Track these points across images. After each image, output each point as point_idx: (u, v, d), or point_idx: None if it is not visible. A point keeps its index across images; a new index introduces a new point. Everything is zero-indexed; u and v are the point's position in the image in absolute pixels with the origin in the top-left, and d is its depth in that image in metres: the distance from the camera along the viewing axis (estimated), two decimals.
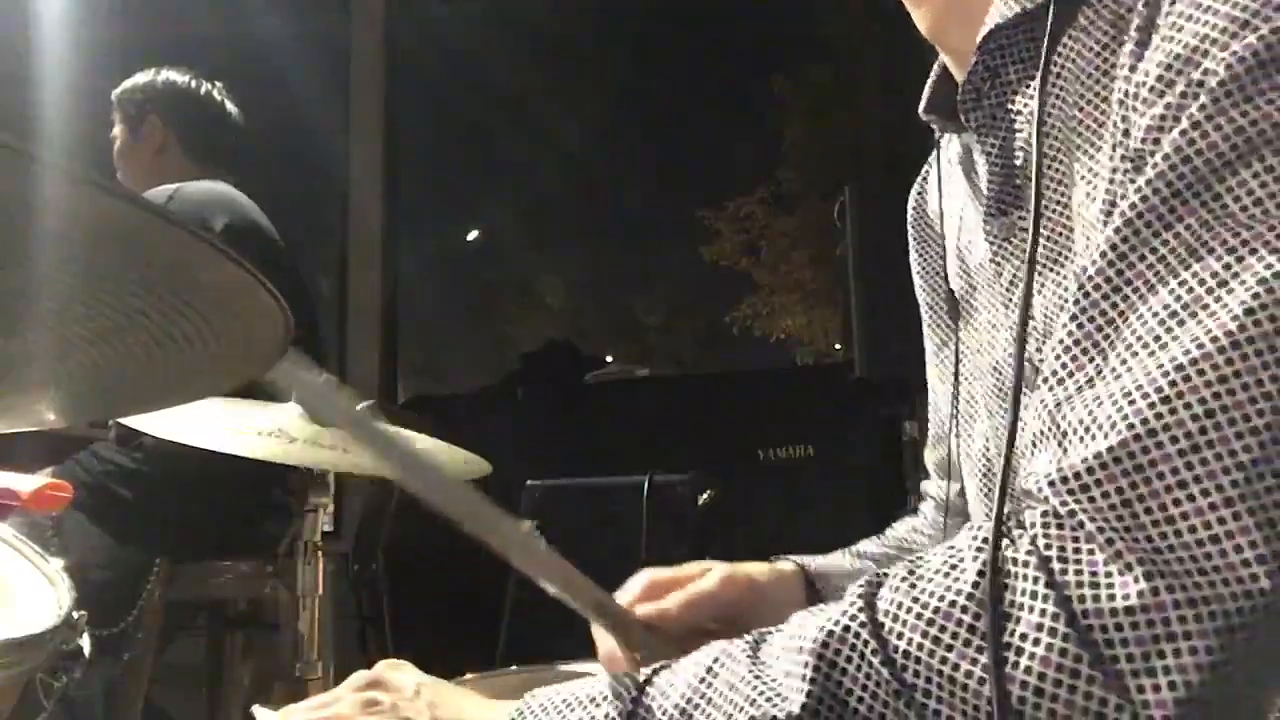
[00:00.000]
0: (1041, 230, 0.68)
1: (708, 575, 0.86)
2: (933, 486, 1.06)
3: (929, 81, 0.83)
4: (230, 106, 2.38)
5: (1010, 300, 0.75)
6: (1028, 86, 0.70)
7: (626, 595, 0.85)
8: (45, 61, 3.29)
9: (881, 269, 2.28)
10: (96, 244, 0.40)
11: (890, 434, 2.65)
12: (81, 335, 0.46)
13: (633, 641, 0.77)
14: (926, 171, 1.00)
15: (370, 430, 0.67)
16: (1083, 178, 0.63)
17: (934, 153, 0.94)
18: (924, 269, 0.99)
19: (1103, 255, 0.53)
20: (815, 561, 0.94)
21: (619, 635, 0.78)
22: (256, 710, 0.70)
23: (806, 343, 10.71)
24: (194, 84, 2.34)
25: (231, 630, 2.18)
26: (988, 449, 0.86)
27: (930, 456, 1.06)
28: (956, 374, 0.90)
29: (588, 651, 0.88)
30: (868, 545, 1.00)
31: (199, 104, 2.33)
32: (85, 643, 0.93)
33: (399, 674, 0.70)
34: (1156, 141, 0.53)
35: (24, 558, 1.00)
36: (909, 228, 1.01)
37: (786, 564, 0.93)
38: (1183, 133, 0.52)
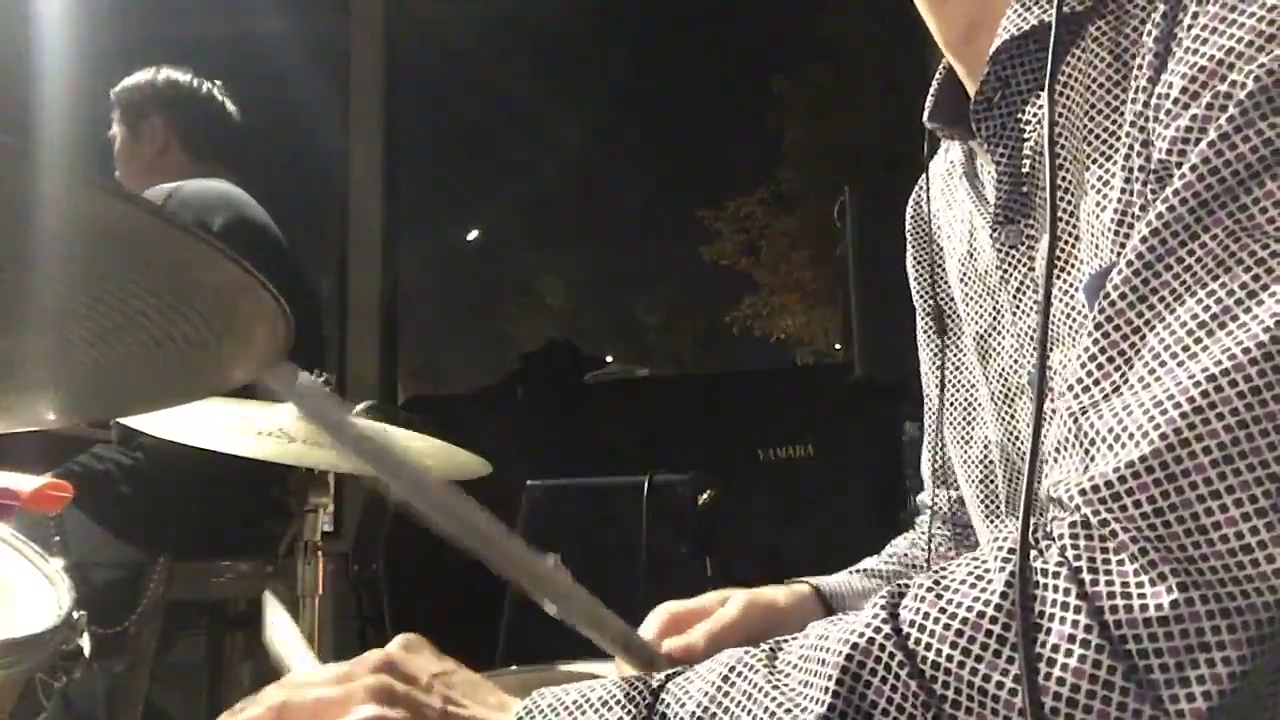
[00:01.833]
0: (1048, 239, 0.68)
1: (728, 604, 0.85)
2: (928, 496, 1.06)
3: (932, 89, 0.82)
4: (230, 105, 2.39)
5: (1017, 307, 0.75)
6: (1038, 97, 0.70)
7: (647, 630, 0.83)
8: (45, 61, 3.28)
9: (881, 269, 2.28)
10: (96, 244, 0.40)
11: (890, 434, 2.64)
12: (81, 335, 0.46)
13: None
14: (920, 187, 1.00)
15: (391, 464, 0.65)
16: (1093, 187, 0.63)
17: (932, 161, 0.94)
18: (918, 276, 0.99)
19: (1129, 264, 0.54)
20: (828, 583, 0.94)
21: (645, 670, 0.77)
22: (267, 596, 0.68)
23: (806, 343, 10.72)
24: (195, 83, 2.34)
25: (231, 630, 2.18)
26: (987, 455, 0.86)
27: (926, 466, 1.06)
28: (942, 383, 0.90)
29: (588, 651, 0.88)
30: (872, 563, 1.00)
31: (200, 103, 2.34)
32: (85, 643, 0.93)
33: (416, 658, 0.68)
34: (1183, 153, 0.54)
35: (24, 558, 1.00)
36: (907, 235, 1.01)
37: (802, 586, 0.92)
38: (1210, 144, 0.52)
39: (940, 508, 1.03)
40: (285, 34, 4.30)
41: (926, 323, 0.98)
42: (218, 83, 2.38)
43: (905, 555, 1.01)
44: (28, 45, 3.30)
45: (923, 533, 1.04)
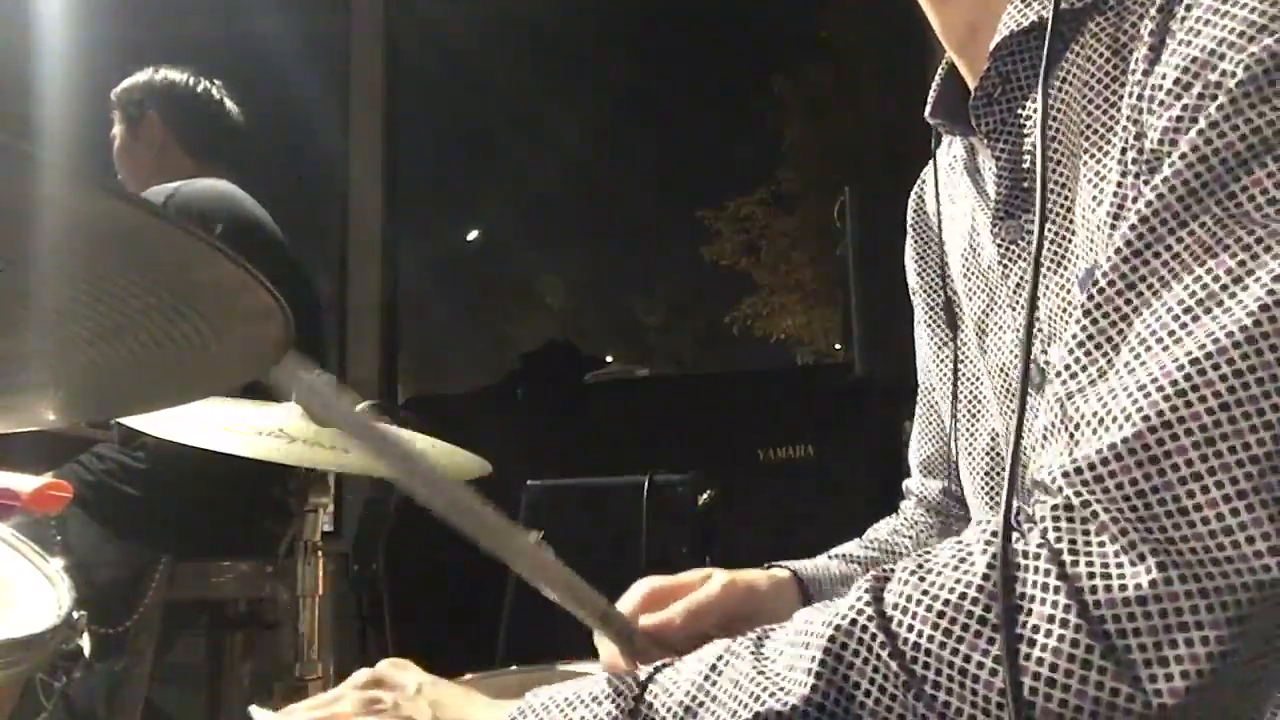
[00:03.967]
0: (1046, 233, 0.68)
1: (708, 583, 0.86)
2: (915, 484, 1.06)
3: (934, 85, 0.83)
4: (229, 104, 2.38)
5: (1016, 302, 0.76)
6: (1037, 92, 0.70)
7: (628, 604, 0.85)
8: (45, 61, 3.29)
9: (881, 269, 2.28)
10: (96, 244, 0.40)
11: (890, 434, 2.64)
12: (81, 335, 0.46)
13: (635, 650, 0.78)
14: (921, 181, 1.00)
15: (375, 436, 0.67)
16: (1089, 180, 0.64)
17: (929, 164, 0.94)
18: (922, 270, 0.99)
19: (1117, 252, 0.54)
20: (807, 567, 0.95)
21: (622, 644, 0.78)
22: (254, 710, 0.70)
23: (806, 343, 10.72)
24: (192, 82, 2.34)
25: (231, 630, 2.18)
26: (994, 446, 0.87)
27: (915, 455, 1.06)
28: (955, 376, 0.90)
29: (588, 651, 0.88)
30: (851, 548, 1.00)
31: (198, 102, 2.34)
32: (85, 643, 0.93)
33: (401, 673, 0.71)
34: (1173, 142, 0.54)
35: (24, 558, 1.00)
36: (909, 229, 1.01)
37: (781, 571, 0.93)
38: (1200, 132, 0.53)
39: (926, 496, 1.04)
40: (285, 34, 4.30)
41: (933, 315, 0.98)
42: (217, 82, 2.38)
43: (886, 541, 1.01)
44: (28, 45, 3.30)
45: (905, 519, 1.05)
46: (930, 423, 1.04)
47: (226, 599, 2.13)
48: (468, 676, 0.93)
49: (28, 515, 1.10)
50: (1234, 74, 0.52)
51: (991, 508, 0.88)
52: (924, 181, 1.00)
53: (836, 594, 0.92)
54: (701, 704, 0.55)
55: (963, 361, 0.91)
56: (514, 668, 0.99)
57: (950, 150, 0.91)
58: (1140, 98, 0.59)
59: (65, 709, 1.76)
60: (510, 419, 3.37)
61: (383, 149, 3.62)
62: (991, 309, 0.83)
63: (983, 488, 0.88)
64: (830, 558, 0.98)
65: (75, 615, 0.93)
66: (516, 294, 13.48)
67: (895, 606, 0.52)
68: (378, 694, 0.68)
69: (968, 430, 0.90)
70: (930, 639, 0.50)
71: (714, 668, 0.56)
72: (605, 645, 0.82)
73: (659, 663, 0.60)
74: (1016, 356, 0.79)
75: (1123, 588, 0.47)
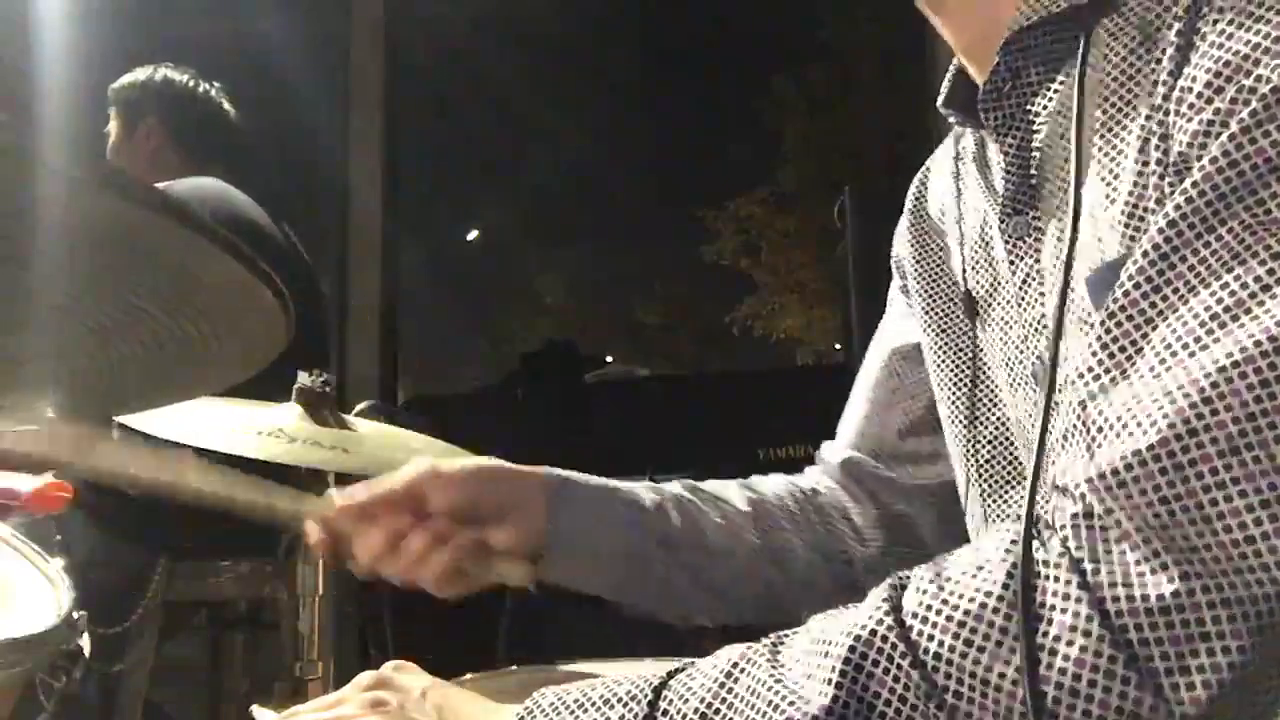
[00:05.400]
0: (1055, 230, 0.68)
1: (427, 469, 0.85)
2: (835, 454, 1.03)
3: (948, 76, 0.82)
4: (228, 107, 2.37)
5: (1024, 298, 0.75)
6: (1048, 88, 0.70)
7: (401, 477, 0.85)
8: (45, 61, 3.29)
9: (881, 269, 2.28)
10: (96, 243, 0.40)
11: None
12: (82, 335, 0.46)
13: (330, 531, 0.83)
14: (928, 168, 1.00)
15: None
16: (1101, 179, 0.63)
17: (939, 149, 0.93)
18: (922, 264, 0.98)
19: (1144, 255, 0.54)
20: (591, 481, 0.91)
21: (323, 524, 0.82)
22: (256, 710, 0.70)
23: (806, 343, 10.73)
24: (192, 84, 2.32)
25: (231, 630, 2.18)
26: (1000, 435, 0.86)
27: (852, 426, 1.04)
28: (975, 371, 0.89)
29: (588, 651, 0.88)
30: (677, 487, 0.96)
31: (197, 104, 2.32)
32: (85, 643, 0.93)
33: (406, 675, 0.71)
34: (1204, 146, 0.54)
35: (24, 558, 1.00)
36: (907, 212, 1.00)
37: (554, 473, 0.91)
38: (1231, 137, 0.52)
39: (830, 461, 1.02)
40: (285, 34, 4.30)
41: (936, 311, 0.97)
42: (216, 84, 2.37)
43: (773, 500, 0.98)
44: (28, 45, 3.30)
45: (806, 482, 1.02)
46: (886, 389, 1.01)
47: (226, 599, 2.13)
48: (468, 676, 0.93)
49: (28, 515, 1.09)
50: (1269, 79, 0.52)
51: (987, 496, 0.87)
52: (924, 177, 0.99)
53: (591, 515, 0.88)
54: (718, 711, 0.54)
55: (979, 355, 0.90)
56: (514, 668, 0.99)
57: (960, 143, 0.90)
58: (1166, 98, 0.58)
59: (65, 709, 1.76)
60: (510, 419, 3.37)
61: (383, 149, 3.61)
62: (1005, 305, 0.82)
63: (981, 476, 0.88)
64: (647, 487, 0.93)
65: (75, 615, 0.93)
66: (516, 294, 13.50)
67: (914, 615, 0.52)
68: (382, 696, 0.68)
69: (967, 418, 0.90)
70: (951, 649, 0.50)
71: (730, 675, 0.56)
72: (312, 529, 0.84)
73: (673, 668, 0.60)
74: (1020, 352, 0.78)
75: (1144, 597, 0.47)
